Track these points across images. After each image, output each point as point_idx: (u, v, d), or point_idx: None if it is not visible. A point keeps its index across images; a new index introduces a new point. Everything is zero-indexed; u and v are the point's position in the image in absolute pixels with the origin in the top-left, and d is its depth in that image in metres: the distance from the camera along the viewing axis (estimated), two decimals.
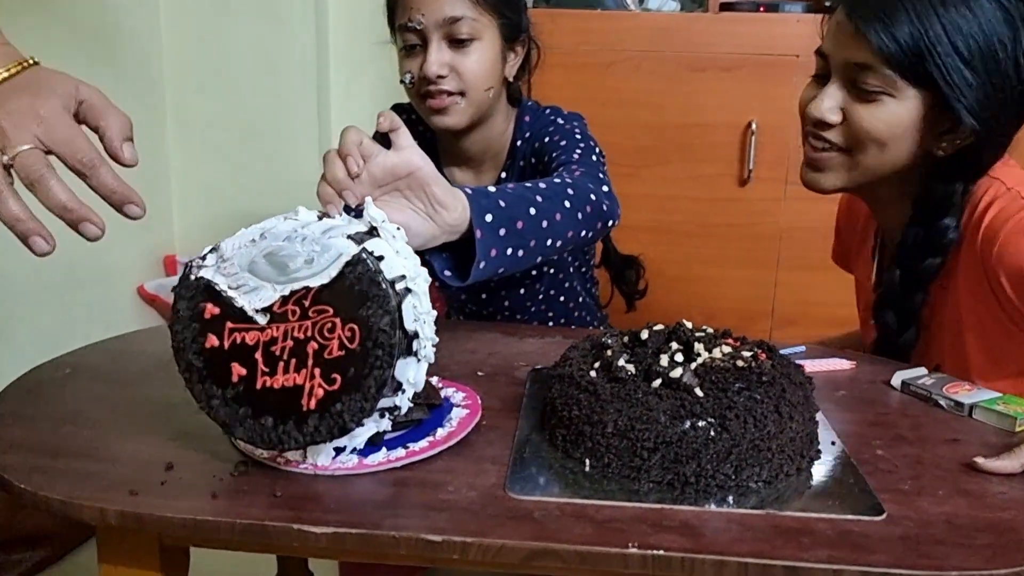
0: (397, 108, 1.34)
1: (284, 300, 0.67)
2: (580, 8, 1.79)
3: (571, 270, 1.31)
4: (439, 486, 0.68)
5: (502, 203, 0.89)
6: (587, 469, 0.71)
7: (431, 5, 1.12)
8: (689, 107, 1.80)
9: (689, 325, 0.81)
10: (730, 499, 0.67)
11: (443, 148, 1.30)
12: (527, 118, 1.25)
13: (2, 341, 1.56)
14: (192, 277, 0.70)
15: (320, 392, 0.66)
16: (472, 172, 1.29)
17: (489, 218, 0.87)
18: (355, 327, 0.65)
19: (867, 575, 0.58)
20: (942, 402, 0.88)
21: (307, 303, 0.67)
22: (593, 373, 0.74)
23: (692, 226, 1.84)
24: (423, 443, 0.73)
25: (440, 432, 0.75)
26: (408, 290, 0.68)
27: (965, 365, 0.99)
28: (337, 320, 0.66)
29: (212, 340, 0.68)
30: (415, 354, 0.69)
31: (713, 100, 1.79)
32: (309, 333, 0.66)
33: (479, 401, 0.82)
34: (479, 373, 0.93)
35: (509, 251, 0.90)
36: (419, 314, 0.69)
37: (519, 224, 0.90)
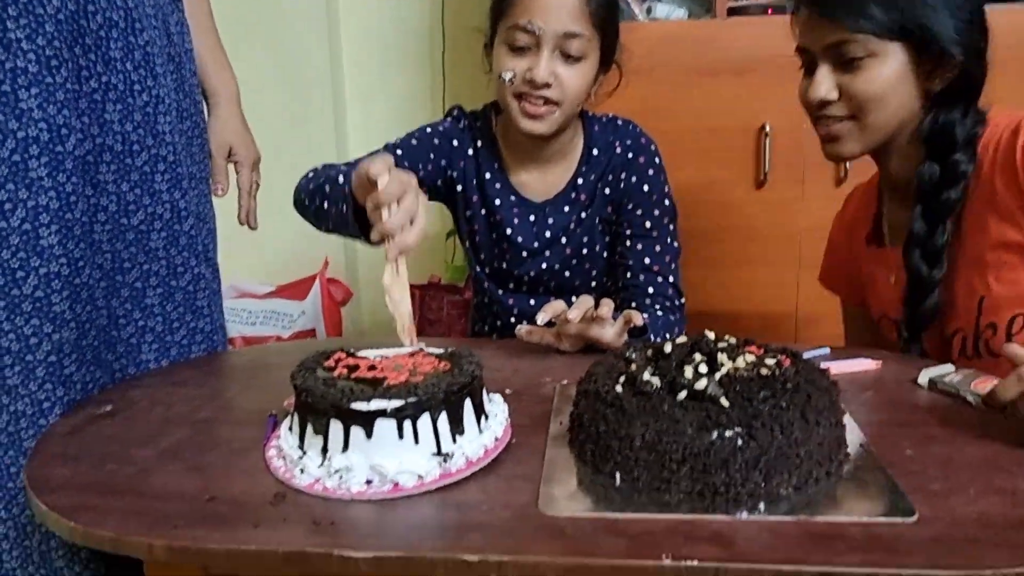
0: (458, 110, 1.34)
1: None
2: None
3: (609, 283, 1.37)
4: (473, 506, 0.70)
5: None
6: (617, 483, 0.72)
7: (554, 15, 1.15)
8: (702, 112, 1.81)
9: (711, 336, 0.82)
10: (761, 507, 0.67)
11: (509, 150, 1.31)
12: (596, 128, 1.31)
13: None
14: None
15: (402, 378, 0.76)
16: (539, 172, 1.32)
17: None
18: (449, 363, 0.81)
19: None
20: (970, 398, 0.88)
21: (422, 354, 0.84)
22: (619, 388, 0.75)
23: (711, 230, 1.84)
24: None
25: None
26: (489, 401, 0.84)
27: (985, 297, 1.04)
28: (437, 359, 0.82)
29: (331, 362, 0.81)
30: (481, 425, 0.79)
31: (725, 104, 1.80)
32: (413, 361, 0.81)
33: (509, 420, 0.84)
34: (507, 391, 0.95)
35: None
36: (493, 412, 0.82)
37: None
